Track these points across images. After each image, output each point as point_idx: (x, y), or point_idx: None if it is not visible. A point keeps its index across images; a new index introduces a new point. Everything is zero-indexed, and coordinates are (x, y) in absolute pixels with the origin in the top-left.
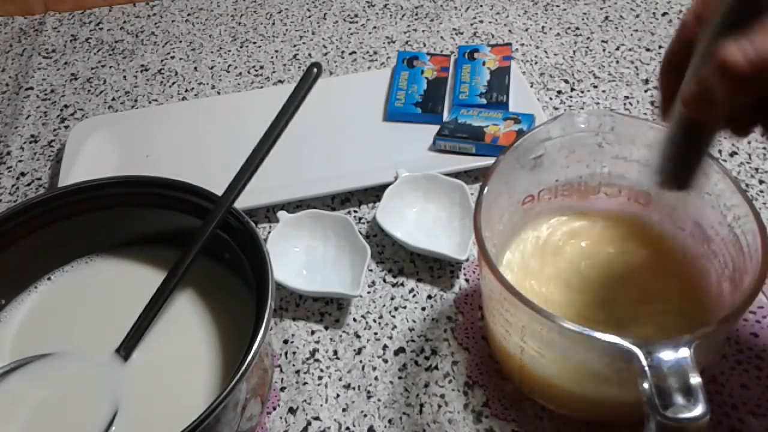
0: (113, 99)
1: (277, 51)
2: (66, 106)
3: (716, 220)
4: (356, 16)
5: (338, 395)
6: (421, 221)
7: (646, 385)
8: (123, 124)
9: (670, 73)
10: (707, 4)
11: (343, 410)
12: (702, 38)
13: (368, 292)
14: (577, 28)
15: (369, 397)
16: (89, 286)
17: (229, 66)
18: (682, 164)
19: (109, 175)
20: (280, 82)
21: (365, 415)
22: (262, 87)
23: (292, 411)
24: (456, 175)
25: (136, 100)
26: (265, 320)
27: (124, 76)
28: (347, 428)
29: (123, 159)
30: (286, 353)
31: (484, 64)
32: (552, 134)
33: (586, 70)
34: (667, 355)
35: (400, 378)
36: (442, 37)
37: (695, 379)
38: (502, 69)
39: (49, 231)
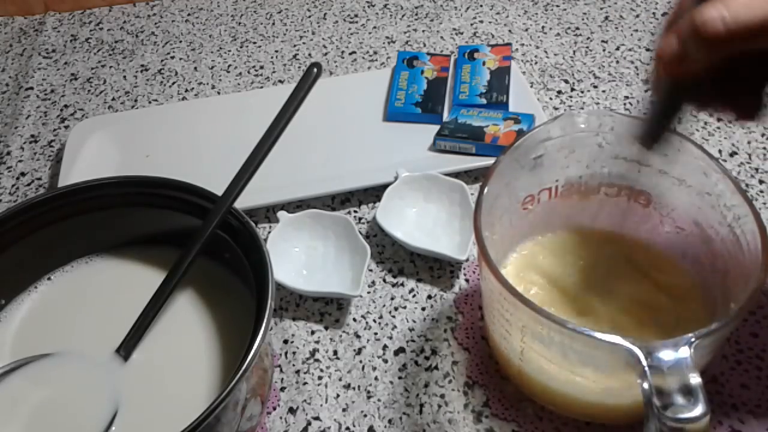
0: (113, 99)
1: (277, 51)
2: (66, 106)
3: (716, 220)
4: (356, 16)
5: (338, 395)
6: (421, 221)
7: (646, 385)
8: (123, 124)
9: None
10: None
11: (343, 410)
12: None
13: (368, 292)
14: (577, 28)
15: (369, 397)
16: (89, 286)
17: (229, 66)
18: (653, 126)
19: (109, 175)
20: (280, 82)
21: (365, 415)
22: (262, 87)
23: (292, 411)
24: (456, 175)
25: (136, 100)
26: (265, 320)
27: (124, 76)
28: (347, 428)
29: (123, 159)
30: (286, 353)
31: (484, 64)
32: (552, 134)
33: (586, 70)
34: (667, 355)
35: (400, 378)
36: (442, 37)
37: (695, 379)
38: (502, 69)
39: (49, 231)
